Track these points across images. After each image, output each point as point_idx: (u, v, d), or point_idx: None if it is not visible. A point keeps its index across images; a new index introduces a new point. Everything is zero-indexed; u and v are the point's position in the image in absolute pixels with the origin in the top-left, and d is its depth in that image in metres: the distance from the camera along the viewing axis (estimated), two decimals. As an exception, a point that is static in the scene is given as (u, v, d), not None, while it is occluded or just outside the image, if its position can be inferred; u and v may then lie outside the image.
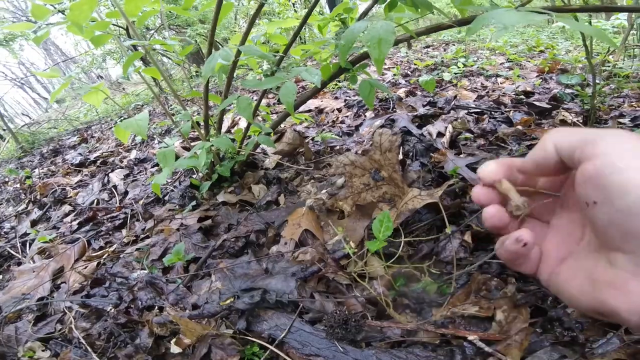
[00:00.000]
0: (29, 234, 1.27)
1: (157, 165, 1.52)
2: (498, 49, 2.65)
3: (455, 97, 1.43)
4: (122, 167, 1.58)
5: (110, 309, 0.79)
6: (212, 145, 1.03)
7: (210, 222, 0.90)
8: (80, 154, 2.04)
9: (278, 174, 1.14)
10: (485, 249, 0.73)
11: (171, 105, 2.75)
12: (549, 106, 1.26)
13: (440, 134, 1.13)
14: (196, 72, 3.74)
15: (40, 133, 3.57)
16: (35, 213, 1.42)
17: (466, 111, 1.28)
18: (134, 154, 1.68)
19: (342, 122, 1.42)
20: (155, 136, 1.99)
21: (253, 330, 0.65)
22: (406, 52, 3.02)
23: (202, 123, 1.15)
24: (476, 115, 1.26)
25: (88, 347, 0.75)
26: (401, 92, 1.60)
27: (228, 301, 0.70)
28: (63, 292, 0.89)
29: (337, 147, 1.22)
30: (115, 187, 1.42)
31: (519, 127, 1.13)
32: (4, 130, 3.38)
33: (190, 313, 0.68)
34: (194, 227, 0.88)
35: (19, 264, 1.14)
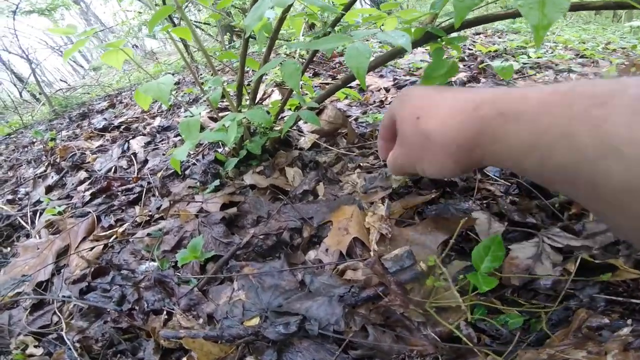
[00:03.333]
0: (42, 201, 1.14)
1: (179, 134, 1.34)
2: (565, 42, 2.28)
3: (528, 83, 1.16)
4: (144, 134, 1.42)
5: (114, 309, 0.63)
6: (244, 118, 0.83)
7: (235, 211, 0.72)
8: (105, 118, 1.90)
9: (315, 157, 0.93)
10: (588, 279, 0.51)
11: (202, 75, 2.56)
12: None
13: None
14: (229, 43, 3.50)
15: (74, 98, 3.50)
16: (52, 178, 1.29)
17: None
18: (157, 122, 1.52)
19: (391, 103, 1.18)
20: (182, 104, 1.81)
21: (284, 364, 0.47)
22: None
23: (233, 92, 0.95)
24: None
25: (84, 352, 0.60)
26: (461, 76, 1.33)
27: (253, 320, 0.52)
28: (63, 278, 0.74)
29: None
30: (134, 154, 1.26)
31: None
32: (40, 94, 3.33)
33: (206, 333, 0.50)
34: (215, 215, 0.69)
35: (28, 236, 1.01)
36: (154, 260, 0.70)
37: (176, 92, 2.21)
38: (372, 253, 0.58)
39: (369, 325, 0.47)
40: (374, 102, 1.21)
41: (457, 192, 0.70)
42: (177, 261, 0.68)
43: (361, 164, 0.84)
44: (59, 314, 0.69)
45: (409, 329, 0.47)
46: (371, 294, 0.48)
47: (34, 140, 2.04)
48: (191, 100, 1.93)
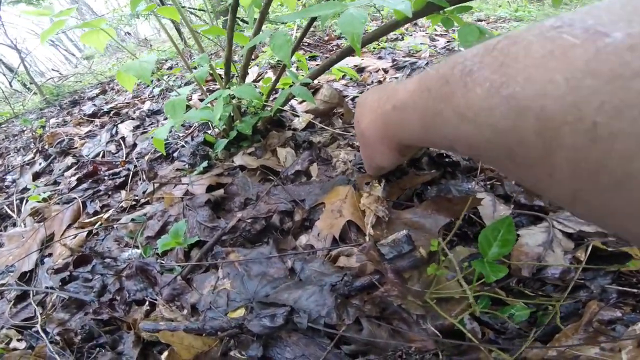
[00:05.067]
0: (29, 188, 1.08)
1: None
2: None
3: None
4: (133, 119, 1.35)
5: (92, 300, 0.59)
6: (232, 95, 0.76)
7: (221, 193, 0.66)
8: (95, 104, 1.82)
9: (309, 137, 0.87)
10: (600, 269, 0.46)
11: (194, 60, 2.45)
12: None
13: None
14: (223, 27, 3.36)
15: (66, 86, 3.39)
16: (40, 164, 1.23)
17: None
18: (147, 106, 1.44)
19: None
20: (173, 88, 1.73)
21: (271, 357, 0.43)
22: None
23: (221, 70, 0.88)
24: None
25: (65, 345, 0.56)
26: None
27: (239, 311, 0.47)
28: (46, 268, 0.69)
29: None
30: (123, 139, 1.20)
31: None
32: (31, 83, 3.22)
33: (186, 325, 0.46)
34: (200, 198, 0.64)
35: (15, 224, 0.96)
36: (137, 247, 0.65)
37: (168, 77, 2.12)
38: (367, 238, 0.53)
39: (363, 317, 0.43)
40: (372, 82, 1.14)
41: (459, 172, 0.65)
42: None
43: (353, 143, 0.78)
44: (40, 306, 0.65)
45: (407, 323, 0.42)
46: (366, 283, 0.43)
47: (24, 128, 1.97)
48: (183, 85, 1.85)
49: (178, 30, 3.39)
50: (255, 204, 0.63)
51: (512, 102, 0.21)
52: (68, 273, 0.64)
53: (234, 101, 0.85)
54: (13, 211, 1.01)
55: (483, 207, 0.52)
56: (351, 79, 1.22)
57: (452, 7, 0.60)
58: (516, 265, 0.45)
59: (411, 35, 2.08)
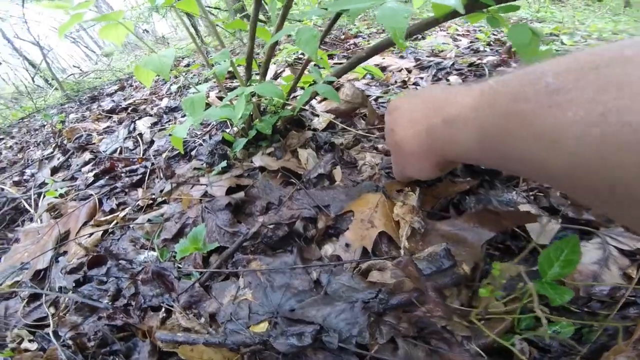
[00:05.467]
0: (47, 183, 1.08)
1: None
2: (599, 32, 2.07)
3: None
4: (150, 115, 1.34)
5: (106, 303, 0.56)
6: (253, 94, 0.73)
7: (242, 196, 0.63)
8: (113, 100, 1.83)
9: (330, 138, 0.83)
10: None
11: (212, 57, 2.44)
12: None
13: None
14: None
15: (86, 82, 3.45)
16: (58, 159, 1.23)
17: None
18: (165, 102, 1.43)
19: (416, 84, 1.06)
20: (191, 85, 1.72)
21: (296, 378, 0.39)
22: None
23: (243, 67, 0.85)
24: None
25: (77, 349, 0.53)
26: (491, 59, 1.19)
27: (261, 325, 0.44)
28: (60, 268, 0.68)
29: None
30: (140, 135, 1.18)
31: None
32: (52, 79, 3.28)
33: (206, 339, 0.43)
34: (220, 201, 0.61)
35: (31, 219, 0.95)
36: (153, 249, 0.62)
37: (186, 73, 2.11)
38: (402, 251, 0.48)
39: (398, 337, 0.39)
40: (395, 82, 1.09)
41: (498, 181, 0.60)
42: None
43: (378, 146, 0.74)
44: (53, 307, 0.63)
45: (448, 342, 0.38)
46: (403, 301, 0.39)
47: (44, 123, 2.00)
48: (202, 82, 1.83)
49: (195, 27, 3.40)
50: (277, 208, 0.59)
51: (631, 134, 0.17)
52: (82, 274, 0.62)
53: (254, 99, 0.82)
54: (30, 205, 1.01)
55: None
56: (373, 77, 1.18)
57: (497, 6, 0.55)
58: (570, 284, 0.41)
59: (431, 34, 2.02)
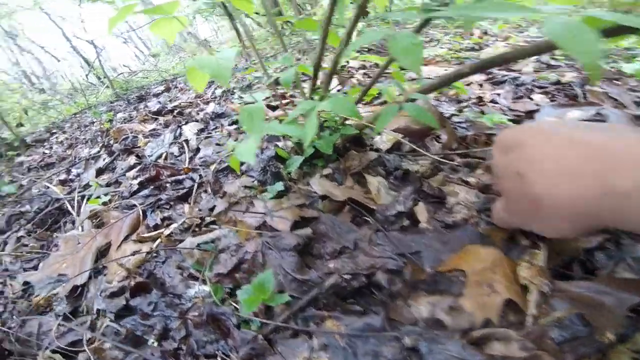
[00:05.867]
0: (91, 185, 1.05)
1: (235, 122, 1.19)
2: None
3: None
4: (197, 121, 1.29)
5: (152, 342, 0.48)
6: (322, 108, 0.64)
7: (309, 233, 0.53)
8: (159, 102, 1.83)
9: (401, 163, 0.72)
10: None
11: (248, 66, 2.42)
12: None
13: None
14: (283, 26, 3.33)
15: (134, 81, 3.58)
16: (104, 160, 1.21)
17: None
18: (211, 108, 1.39)
19: (493, 101, 0.93)
20: (235, 90, 1.68)
21: None
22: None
23: (302, 76, 0.77)
24: None
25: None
26: (569, 77, 1.03)
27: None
28: (100, 289, 0.61)
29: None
30: (187, 141, 1.13)
31: None
32: (104, 77, 3.43)
33: None
34: (286, 239, 0.52)
35: (73, 222, 0.92)
36: (204, 282, 0.54)
37: (233, 78, 2.09)
38: (528, 319, 0.37)
39: None
40: (469, 98, 0.97)
41: (629, 235, 0.46)
42: (233, 288, 0.52)
43: (469, 179, 0.62)
44: (90, 331, 0.57)
45: None
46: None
47: (94, 120, 2.04)
48: (245, 87, 1.79)
49: (236, 30, 3.44)
50: (351, 252, 0.49)
51: None
52: (124, 302, 0.55)
53: (320, 112, 0.73)
54: (73, 208, 0.98)
55: None
56: (440, 92, 1.06)
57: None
58: None
59: (488, 45, 1.86)
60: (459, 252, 0.44)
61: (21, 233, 0.94)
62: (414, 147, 0.74)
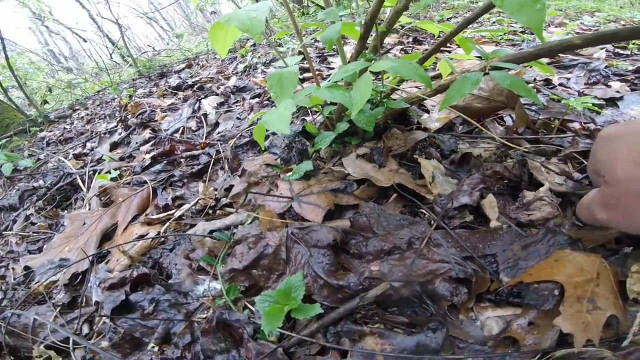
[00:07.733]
0: (104, 160, 0.98)
1: (257, 96, 1.08)
2: None
3: None
4: (217, 94, 1.20)
5: (152, 347, 0.40)
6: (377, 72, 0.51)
7: (346, 225, 0.42)
8: (180, 77, 1.75)
9: (457, 144, 0.59)
10: None
11: (264, 54, 2.29)
12: None
13: None
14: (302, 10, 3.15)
15: (157, 60, 3.55)
16: (119, 134, 1.14)
17: None
18: (232, 81, 1.29)
19: (562, 84, 0.77)
20: (258, 65, 1.57)
21: None
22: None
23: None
24: None
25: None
26: None
27: None
28: (100, 279, 0.53)
29: (579, 125, 0.61)
30: (205, 115, 1.04)
31: None
32: (128, 56, 3.42)
33: None
34: (319, 234, 0.41)
35: (83, 199, 0.85)
36: (215, 278, 0.44)
37: (252, 54, 1.98)
38: (629, 337, 0.25)
39: None
40: (535, 79, 0.81)
41: None
42: (249, 287, 0.42)
43: (554, 168, 0.48)
44: (87, 325, 0.49)
45: None
46: None
47: (115, 97, 2.00)
48: (268, 62, 1.67)
49: None
50: (403, 254, 0.37)
51: None
52: (124, 296, 0.46)
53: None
54: (84, 182, 0.92)
55: None
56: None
57: None
58: None
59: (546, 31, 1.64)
60: (548, 258, 0.32)
61: (31, 210, 0.89)
62: (479, 127, 0.60)
